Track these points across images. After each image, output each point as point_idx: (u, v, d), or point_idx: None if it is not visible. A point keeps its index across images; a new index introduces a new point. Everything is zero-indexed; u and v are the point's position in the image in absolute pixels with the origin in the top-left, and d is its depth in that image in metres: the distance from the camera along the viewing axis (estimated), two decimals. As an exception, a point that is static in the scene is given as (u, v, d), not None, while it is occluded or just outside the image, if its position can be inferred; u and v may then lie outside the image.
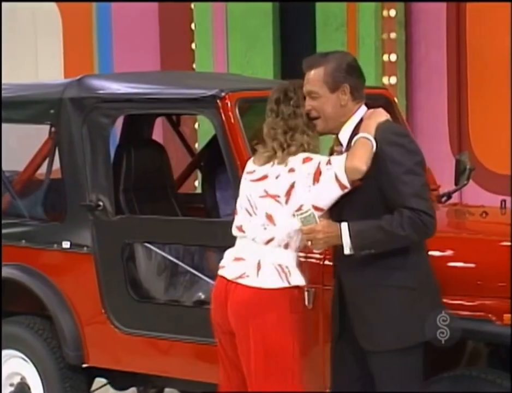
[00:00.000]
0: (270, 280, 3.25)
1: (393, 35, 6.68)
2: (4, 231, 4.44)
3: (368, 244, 3.13)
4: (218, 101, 3.82)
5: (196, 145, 6.51)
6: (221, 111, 3.82)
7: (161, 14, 7.61)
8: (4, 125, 4.52)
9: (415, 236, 3.11)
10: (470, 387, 3.27)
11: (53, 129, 4.32)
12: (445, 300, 3.33)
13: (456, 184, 4.38)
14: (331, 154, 3.35)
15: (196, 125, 6.86)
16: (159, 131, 5.40)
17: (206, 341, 3.77)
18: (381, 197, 3.14)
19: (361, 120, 3.24)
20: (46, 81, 5.13)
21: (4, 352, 4.38)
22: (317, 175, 3.19)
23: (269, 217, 3.26)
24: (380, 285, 3.17)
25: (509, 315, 3.22)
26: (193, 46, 7.34)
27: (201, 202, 4.78)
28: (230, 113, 3.82)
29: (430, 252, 3.42)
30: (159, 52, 7.61)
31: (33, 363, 4.28)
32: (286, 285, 3.26)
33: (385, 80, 6.59)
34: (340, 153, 3.25)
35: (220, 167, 4.18)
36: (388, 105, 4.43)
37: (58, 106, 4.27)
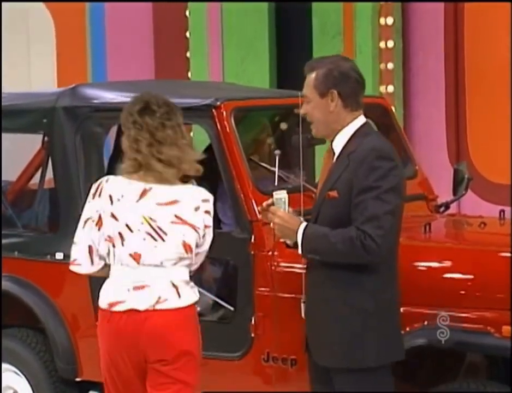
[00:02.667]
0: (190, 298, 3.28)
1: (390, 43, 6.70)
2: (-4, 242, 4.46)
3: (314, 249, 3.17)
4: (213, 110, 3.84)
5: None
6: (216, 120, 3.84)
7: (156, 22, 7.62)
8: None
9: (351, 256, 3.09)
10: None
11: (46, 138, 4.33)
12: (443, 312, 3.33)
13: (454, 194, 4.39)
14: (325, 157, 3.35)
15: (191, 134, 6.87)
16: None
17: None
18: (349, 214, 3.14)
19: (358, 130, 3.23)
20: (39, 90, 5.14)
21: (-4, 366, 4.40)
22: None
23: (185, 245, 3.23)
24: (335, 301, 3.16)
25: (508, 327, 3.23)
26: (188, 54, 7.35)
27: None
28: (226, 123, 3.83)
29: (429, 264, 3.43)
30: (154, 60, 7.62)
31: (26, 377, 4.28)
32: (196, 299, 3.32)
33: (382, 89, 6.61)
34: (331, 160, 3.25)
35: (215, 177, 4.18)
36: (385, 114, 4.46)
37: (51, 115, 4.28)
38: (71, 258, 3.37)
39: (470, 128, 6.66)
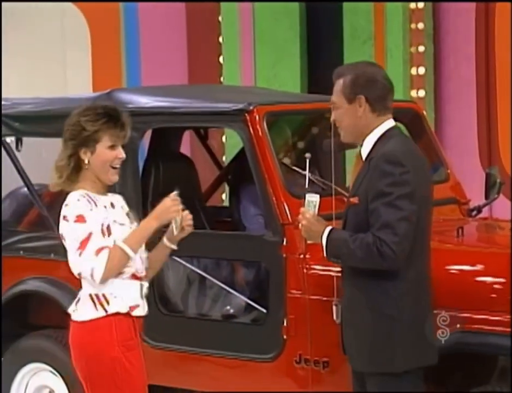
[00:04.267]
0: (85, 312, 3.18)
1: (421, 48, 6.67)
2: (32, 244, 4.47)
3: (336, 254, 3.19)
4: (246, 114, 3.84)
5: (224, 158, 6.53)
6: (249, 124, 3.83)
7: (189, 27, 7.64)
8: (35, 139, 4.55)
9: (367, 262, 3.09)
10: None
11: (81, 143, 4.34)
12: (476, 316, 3.30)
13: (486, 198, 4.35)
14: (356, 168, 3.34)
15: (224, 139, 6.88)
16: (187, 145, 5.42)
17: (233, 355, 3.80)
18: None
19: (383, 134, 3.20)
20: (75, 95, 5.16)
21: (33, 365, 4.39)
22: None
23: None
24: (360, 306, 3.16)
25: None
26: (221, 59, 7.37)
27: (228, 215, 4.78)
28: (258, 127, 3.83)
29: (461, 267, 3.40)
30: (187, 65, 7.64)
31: (61, 376, 4.29)
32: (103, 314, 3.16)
33: (413, 93, 6.58)
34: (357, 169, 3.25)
35: (247, 180, 4.18)
36: (417, 119, 4.43)
37: (86, 119, 4.30)
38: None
39: (502, 132, 6.61)
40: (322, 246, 3.20)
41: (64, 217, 3.16)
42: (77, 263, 3.12)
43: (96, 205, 3.18)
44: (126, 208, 3.36)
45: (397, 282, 3.12)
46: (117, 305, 3.17)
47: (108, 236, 3.16)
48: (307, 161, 3.41)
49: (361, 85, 3.18)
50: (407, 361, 3.13)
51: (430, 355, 3.18)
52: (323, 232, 3.18)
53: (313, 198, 3.26)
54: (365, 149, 3.23)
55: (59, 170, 3.22)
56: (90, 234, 3.11)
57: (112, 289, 3.17)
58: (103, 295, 3.17)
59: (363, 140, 3.23)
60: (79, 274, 3.15)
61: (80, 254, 3.10)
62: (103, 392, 3.18)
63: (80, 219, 3.12)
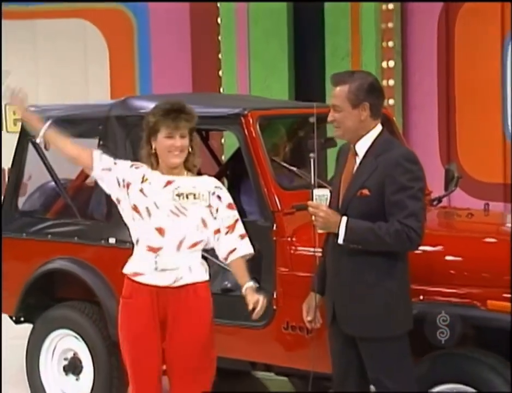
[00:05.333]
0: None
1: (391, 63, 6.67)
2: (59, 229, 4.45)
3: (358, 240, 3.09)
4: (242, 118, 3.83)
5: (223, 157, 6.51)
6: (244, 126, 3.83)
7: (193, 46, 7.63)
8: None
9: (397, 246, 3.06)
10: (459, 364, 3.25)
11: (101, 143, 4.33)
12: (437, 289, 3.31)
13: (446, 190, 4.35)
14: (337, 158, 3.32)
15: (223, 141, 6.87)
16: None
17: (231, 323, 3.80)
18: (382, 210, 3.09)
19: (378, 135, 3.16)
20: (95, 102, 5.15)
21: (59, 331, 4.37)
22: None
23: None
24: (369, 283, 3.11)
25: (493, 301, 3.20)
26: (220, 73, 7.36)
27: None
28: (252, 129, 3.82)
29: (425, 248, 3.41)
30: (191, 78, 7.62)
31: (84, 341, 4.29)
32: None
33: (385, 102, 6.56)
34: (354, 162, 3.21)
35: (243, 175, 4.18)
36: (388, 123, 4.42)
37: (105, 123, 4.29)
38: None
39: (460, 136, 6.63)
40: (339, 234, 3.09)
41: None
42: None
43: (150, 183, 3.24)
44: (199, 192, 3.26)
45: (400, 262, 3.12)
46: (125, 268, 3.29)
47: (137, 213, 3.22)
48: (311, 160, 3.23)
49: (365, 93, 3.12)
50: (400, 326, 3.13)
51: (412, 321, 3.18)
52: (340, 222, 3.11)
53: (323, 192, 3.14)
54: (362, 148, 3.17)
55: (141, 156, 3.32)
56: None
57: (133, 256, 3.28)
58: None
59: (357, 139, 3.17)
60: None
61: None
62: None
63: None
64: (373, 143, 3.16)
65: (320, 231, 3.23)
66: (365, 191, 3.10)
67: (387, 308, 3.11)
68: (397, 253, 3.11)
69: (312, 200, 3.15)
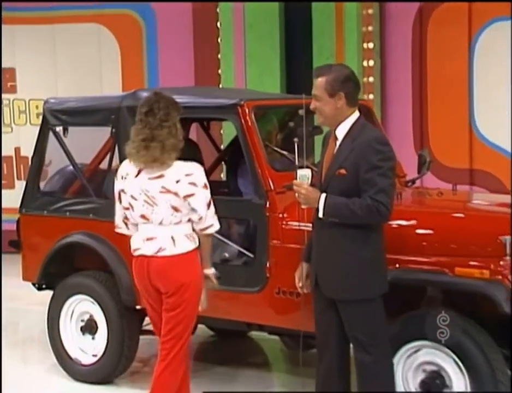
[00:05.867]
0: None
1: (371, 62, 6.66)
2: (76, 207, 4.45)
3: (335, 214, 3.11)
4: (239, 108, 3.82)
5: (222, 146, 6.50)
6: (241, 115, 3.82)
7: (196, 47, 7.62)
8: (76, 128, 4.53)
9: (368, 219, 3.07)
10: (428, 322, 3.25)
11: (113, 131, 4.32)
12: (411, 258, 3.32)
13: (419, 173, 4.35)
14: (323, 143, 3.32)
15: (222, 131, 6.86)
16: (194, 133, 5.40)
17: (229, 289, 3.81)
18: (358, 187, 3.10)
19: (356, 121, 3.18)
20: (108, 94, 5.13)
21: (77, 296, 4.38)
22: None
23: (174, 208, 3.24)
24: (347, 252, 3.12)
25: (460, 268, 3.20)
26: (220, 71, 7.33)
27: (226, 187, 4.77)
28: (248, 117, 3.81)
29: (400, 222, 3.41)
30: (194, 75, 7.60)
31: (99, 305, 4.29)
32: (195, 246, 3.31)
33: (365, 97, 6.57)
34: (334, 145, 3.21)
35: (239, 160, 4.17)
36: (369, 114, 4.43)
37: (117, 113, 4.27)
38: (115, 224, 3.48)
39: (431, 126, 6.64)
40: (319, 209, 3.11)
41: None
42: None
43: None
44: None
45: (374, 233, 3.13)
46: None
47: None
48: (295, 144, 3.28)
49: (340, 84, 3.14)
50: (375, 290, 3.14)
51: (386, 285, 3.19)
52: (319, 198, 3.13)
53: (305, 172, 3.15)
54: (341, 132, 3.18)
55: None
56: None
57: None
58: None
59: (337, 125, 3.18)
60: None
61: None
62: None
63: None
64: (350, 128, 3.17)
65: (303, 207, 3.26)
66: (343, 171, 3.12)
67: (362, 273, 3.12)
68: (371, 225, 3.12)
69: (296, 179, 3.17)
